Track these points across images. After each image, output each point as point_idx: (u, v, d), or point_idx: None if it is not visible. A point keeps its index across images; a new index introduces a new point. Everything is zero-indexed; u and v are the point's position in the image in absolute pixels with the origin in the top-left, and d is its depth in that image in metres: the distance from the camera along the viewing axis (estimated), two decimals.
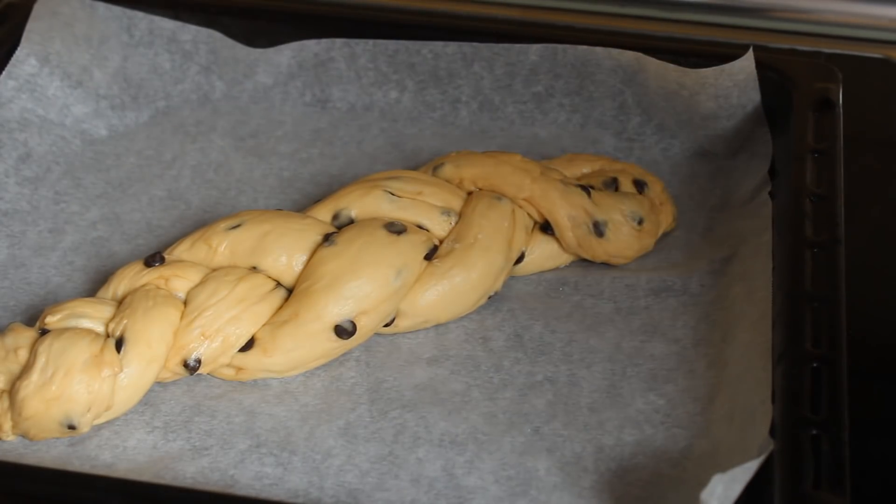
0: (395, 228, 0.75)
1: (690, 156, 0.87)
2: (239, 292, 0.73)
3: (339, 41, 0.90)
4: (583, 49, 0.87)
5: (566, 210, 0.78)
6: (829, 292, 0.69)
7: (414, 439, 0.69)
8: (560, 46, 0.88)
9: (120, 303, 0.73)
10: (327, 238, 0.76)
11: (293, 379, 0.73)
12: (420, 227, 0.77)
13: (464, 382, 0.72)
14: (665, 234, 0.81)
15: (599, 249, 0.79)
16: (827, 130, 0.80)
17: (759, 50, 0.85)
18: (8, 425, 0.69)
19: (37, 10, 0.89)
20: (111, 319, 0.72)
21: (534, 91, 0.89)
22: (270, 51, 0.91)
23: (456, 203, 0.79)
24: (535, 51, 0.88)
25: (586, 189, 0.79)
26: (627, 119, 0.88)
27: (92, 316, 0.72)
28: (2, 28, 0.91)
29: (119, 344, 0.70)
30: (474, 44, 0.89)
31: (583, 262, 0.80)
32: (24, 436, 0.69)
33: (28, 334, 0.71)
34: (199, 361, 0.72)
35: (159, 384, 0.73)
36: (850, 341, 0.67)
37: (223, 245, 0.76)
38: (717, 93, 0.85)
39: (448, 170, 0.81)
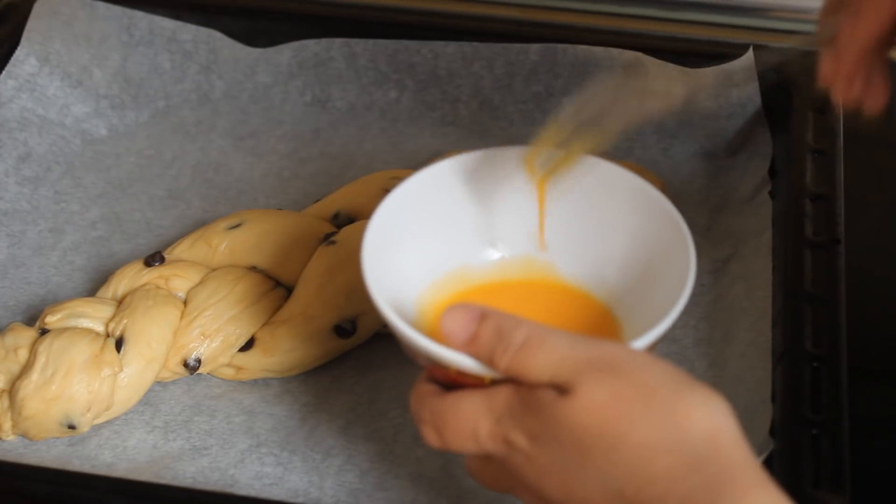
0: None
1: (690, 156, 0.87)
2: (239, 292, 0.73)
3: (338, 41, 0.90)
4: (583, 49, 0.87)
5: None
6: (829, 292, 0.69)
7: (414, 438, 0.69)
8: (560, 46, 0.88)
9: (120, 302, 0.73)
10: (327, 238, 0.76)
11: (293, 379, 0.73)
12: None
13: None
14: None
15: None
16: (827, 130, 0.80)
17: (759, 50, 0.85)
18: (8, 425, 0.69)
19: (37, 9, 0.89)
20: (111, 319, 0.72)
21: (534, 91, 0.89)
22: (270, 51, 0.91)
23: None
24: (535, 51, 0.88)
25: None
26: None
27: (92, 315, 0.72)
28: (2, 28, 0.91)
29: (119, 343, 0.70)
30: (474, 44, 0.89)
31: None
32: (24, 435, 0.69)
33: (28, 334, 0.71)
34: (199, 361, 0.72)
35: (159, 384, 0.73)
36: (850, 341, 0.67)
37: (223, 245, 0.76)
38: (717, 93, 0.84)
39: None
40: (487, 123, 0.90)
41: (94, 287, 0.78)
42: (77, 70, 0.90)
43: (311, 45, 0.91)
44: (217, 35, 0.91)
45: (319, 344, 0.72)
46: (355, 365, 0.74)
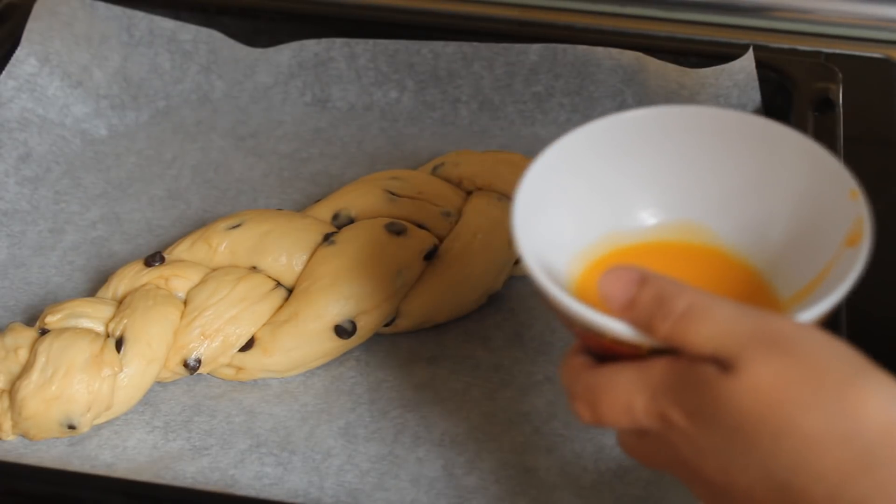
0: (395, 228, 0.75)
1: None
2: (239, 292, 0.73)
3: (339, 41, 0.90)
4: (583, 49, 0.87)
5: None
6: None
7: (414, 439, 0.69)
8: (560, 46, 0.88)
9: (120, 302, 0.73)
10: (327, 238, 0.76)
11: (293, 379, 0.73)
12: (420, 226, 0.77)
13: (464, 382, 0.72)
14: None
15: None
16: (827, 130, 0.80)
17: (759, 50, 0.85)
18: (8, 425, 0.69)
19: (37, 9, 0.89)
20: (111, 319, 0.72)
21: (534, 91, 0.89)
22: (270, 51, 0.91)
23: (456, 202, 0.79)
24: (535, 51, 0.88)
25: None
26: None
27: (92, 316, 0.72)
28: (2, 28, 0.91)
29: (119, 344, 0.70)
30: (474, 44, 0.89)
31: None
32: (24, 436, 0.69)
33: (28, 334, 0.71)
34: (199, 361, 0.72)
35: (159, 384, 0.73)
36: (850, 341, 0.66)
37: (223, 245, 0.76)
38: (717, 93, 0.84)
39: (448, 169, 0.81)
40: (487, 123, 0.90)
41: (94, 287, 0.78)
42: (77, 70, 0.90)
43: (311, 45, 0.91)
44: (217, 35, 0.91)
45: (319, 344, 0.72)
46: (355, 365, 0.74)
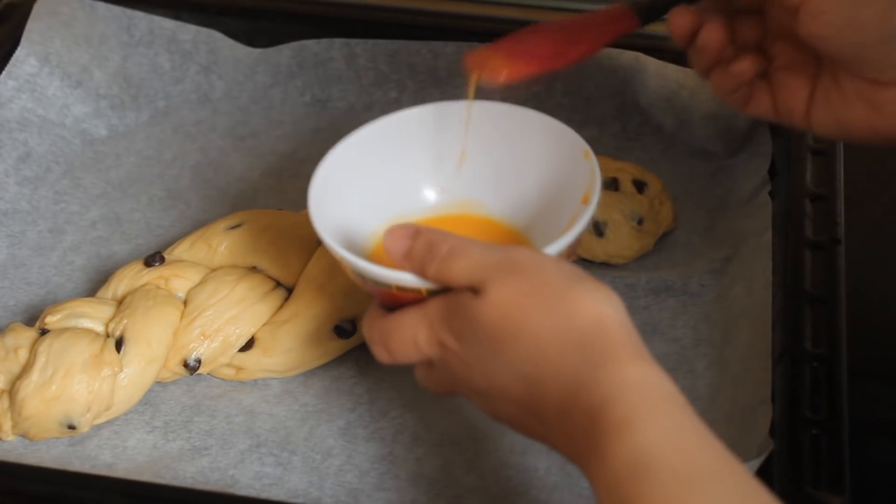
0: None
1: (690, 156, 0.87)
2: (239, 292, 0.73)
3: (338, 41, 0.90)
4: None
5: None
6: (829, 292, 0.69)
7: (413, 439, 0.69)
8: None
9: (120, 303, 0.73)
10: None
11: (293, 379, 0.73)
12: None
13: None
14: (665, 234, 0.81)
15: (599, 249, 0.79)
16: None
17: None
18: (8, 425, 0.69)
19: (37, 10, 0.89)
20: (111, 319, 0.72)
21: (533, 91, 0.89)
22: (270, 51, 0.91)
23: None
24: None
25: None
26: (627, 119, 0.88)
27: (92, 316, 0.72)
28: (2, 28, 0.91)
29: (119, 344, 0.70)
30: (474, 44, 0.89)
31: (582, 262, 0.80)
32: (24, 436, 0.70)
33: (28, 334, 0.71)
34: (199, 361, 0.72)
35: (159, 384, 0.73)
36: (850, 341, 0.67)
37: (223, 245, 0.76)
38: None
39: None
40: None
41: (94, 287, 0.78)
42: (77, 70, 0.90)
43: (311, 45, 0.91)
44: (217, 35, 0.91)
45: (319, 344, 0.72)
46: (355, 365, 0.74)
